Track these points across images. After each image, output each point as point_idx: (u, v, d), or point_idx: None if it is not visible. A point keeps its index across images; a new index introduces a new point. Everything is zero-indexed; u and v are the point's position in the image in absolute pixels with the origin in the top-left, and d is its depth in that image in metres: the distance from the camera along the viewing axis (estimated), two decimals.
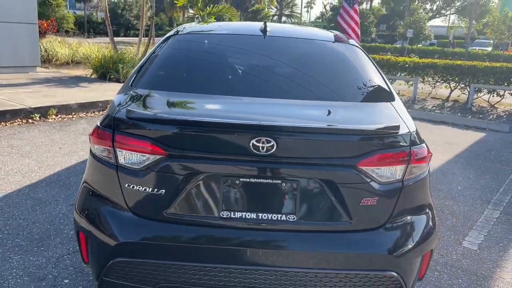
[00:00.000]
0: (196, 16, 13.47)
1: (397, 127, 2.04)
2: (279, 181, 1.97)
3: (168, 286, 2.02)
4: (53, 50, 13.90)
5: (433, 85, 11.65)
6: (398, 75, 11.91)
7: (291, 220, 1.98)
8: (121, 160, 2.02)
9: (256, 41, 2.83)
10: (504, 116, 9.72)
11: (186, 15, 58.25)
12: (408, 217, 2.12)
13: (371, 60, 2.86)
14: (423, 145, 2.14)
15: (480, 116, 9.69)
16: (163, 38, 2.98)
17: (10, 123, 6.54)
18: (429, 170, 2.26)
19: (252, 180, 1.96)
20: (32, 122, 6.74)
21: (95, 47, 13.47)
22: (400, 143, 2.04)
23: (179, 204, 1.98)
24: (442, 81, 11.42)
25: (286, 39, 2.91)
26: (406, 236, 2.09)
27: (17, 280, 2.73)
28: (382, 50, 38.89)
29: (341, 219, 2.00)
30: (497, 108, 10.60)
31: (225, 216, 1.97)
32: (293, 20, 71.60)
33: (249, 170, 1.94)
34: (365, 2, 37.08)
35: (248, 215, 1.97)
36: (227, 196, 1.97)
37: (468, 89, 10.59)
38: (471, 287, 3.01)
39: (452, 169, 5.80)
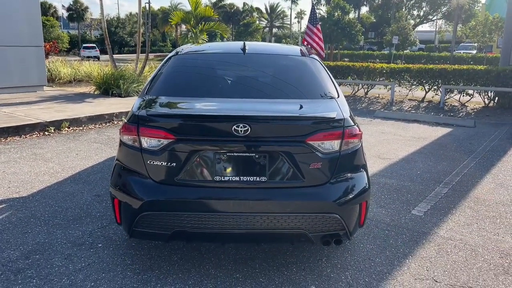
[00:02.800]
0: (190, 33, 14.44)
1: (334, 114, 2.96)
2: (254, 154, 2.87)
3: (180, 230, 2.91)
4: (56, 70, 14.85)
5: (409, 88, 12.64)
6: (377, 80, 12.89)
7: (263, 180, 2.88)
8: (144, 144, 2.92)
9: (237, 57, 3.77)
10: (472, 113, 10.70)
11: (178, 31, 59.48)
12: (346, 176, 3.02)
13: (325, 69, 3.80)
14: (355, 126, 3.06)
15: (451, 114, 10.67)
16: (166, 58, 3.92)
17: (30, 136, 7.43)
18: (362, 144, 3.17)
19: (235, 154, 2.87)
20: (48, 134, 7.63)
21: (95, 66, 14.43)
22: (336, 125, 2.95)
23: (185, 173, 2.88)
24: (418, 84, 12.42)
25: (260, 55, 3.86)
26: (344, 189, 2.99)
27: (63, 246, 3.61)
28: (370, 57, 40.13)
29: (297, 178, 2.90)
30: (467, 106, 11.59)
31: (217, 180, 2.87)
32: (283, 31, 73.12)
33: (232, 147, 2.85)
34: (352, 11, 38.27)
35: (233, 178, 2.88)
36: (218, 165, 2.87)
37: (440, 90, 11.58)
38: (412, 240, 3.90)
39: (415, 158, 6.73)
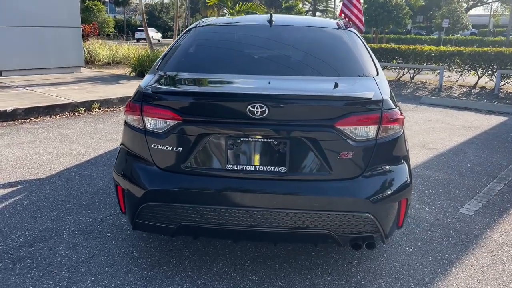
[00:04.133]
0: (227, 14, 14.05)
1: (371, 94, 2.47)
2: (272, 140, 2.45)
3: (187, 225, 2.54)
4: (95, 52, 14.91)
5: (460, 73, 11.69)
6: (425, 64, 12.01)
7: (282, 171, 2.45)
8: (148, 126, 2.56)
9: (263, 30, 3.32)
10: None
11: (220, 14, 59.27)
12: (383, 169, 2.54)
13: (364, 44, 3.29)
14: (396, 109, 2.56)
15: (507, 101, 9.73)
16: (186, 29, 3.53)
17: (59, 116, 7.33)
18: (404, 132, 2.67)
19: (250, 139, 2.46)
20: (78, 115, 7.52)
21: (133, 48, 14.37)
22: (373, 107, 2.47)
23: (193, 159, 2.50)
24: (470, 69, 11.45)
25: (289, 27, 3.39)
26: (381, 185, 2.52)
27: (70, 233, 3.35)
28: (417, 42, 38.24)
29: (323, 170, 2.46)
30: None
31: (229, 168, 2.47)
32: (327, 15, 71.20)
33: (247, 131, 2.43)
34: None
35: (248, 167, 2.47)
36: (231, 152, 2.47)
37: (495, 75, 10.60)
38: (460, 243, 3.36)
39: (465, 149, 6.06)
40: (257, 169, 2.47)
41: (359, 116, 2.43)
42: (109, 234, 3.36)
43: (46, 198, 3.98)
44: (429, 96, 10.70)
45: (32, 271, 2.84)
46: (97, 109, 7.87)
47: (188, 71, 2.93)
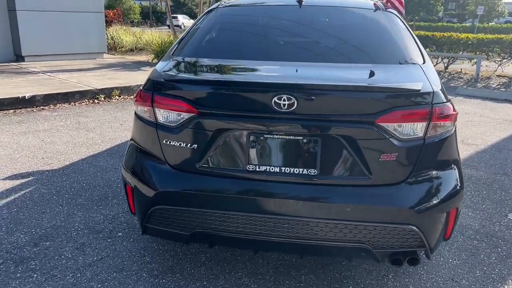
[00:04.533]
0: None
1: (419, 86, 2.09)
2: (301, 137, 2.10)
3: (202, 232, 2.24)
4: (118, 38, 14.75)
5: (499, 63, 10.98)
6: (461, 53, 11.34)
7: (312, 174, 2.11)
8: (160, 119, 2.25)
9: (290, 11, 2.94)
10: None
11: None
12: (431, 174, 2.17)
13: (406, 27, 2.88)
14: (448, 104, 2.17)
15: None
16: (206, 11, 3.19)
17: (79, 103, 7.15)
18: (455, 130, 2.28)
19: (275, 136, 2.11)
20: (98, 102, 7.31)
21: (156, 34, 14.13)
22: (421, 101, 2.08)
23: (209, 158, 2.18)
24: (510, 58, 10.73)
25: (320, 7, 3.00)
26: (427, 192, 2.14)
27: (78, 232, 3.10)
28: (449, 30, 36.81)
29: (360, 174, 2.10)
30: None
31: (250, 169, 2.14)
32: None
33: (271, 126, 2.09)
34: None
35: (272, 169, 2.13)
36: (252, 150, 2.14)
37: None
38: (511, 256, 2.96)
39: (509, 146, 5.55)
40: (283, 170, 2.13)
41: (405, 111, 2.05)
42: (120, 234, 3.09)
43: (57, 192, 3.76)
44: (465, 87, 10.07)
45: (35, 275, 2.60)
46: (117, 97, 7.65)
47: (207, 57, 2.60)
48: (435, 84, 2.19)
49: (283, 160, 2.13)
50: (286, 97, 2.03)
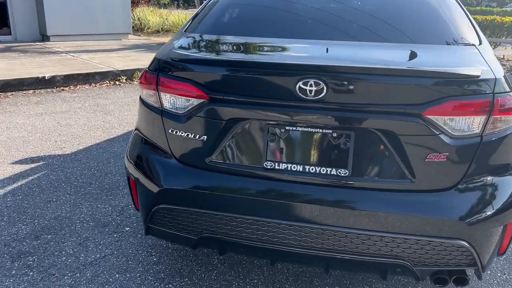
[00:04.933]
0: None
1: (477, 71, 1.69)
2: (330, 131, 1.75)
3: (211, 237, 1.93)
4: (145, 19, 14.52)
5: None
6: (504, 38, 10.58)
7: (343, 175, 1.76)
8: (165, 105, 1.94)
9: None
10: None
11: None
12: (486, 180, 1.78)
13: (457, 2, 2.46)
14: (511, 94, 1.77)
15: None
16: None
17: (99, 84, 6.95)
18: None
19: (299, 128, 1.77)
20: (119, 84, 7.10)
21: (183, 15, 13.83)
22: (480, 90, 1.69)
23: (221, 152, 1.86)
24: None
25: None
26: (483, 201, 1.76)
27: (83, 225, 2.86)
28: (489, 14, 35.07)
29: (401, 176, 1.74)
30: None
31: (268, 167, 1.81)
32: None
33: (295, 117, 1.75)
34: None
35: (294, 167, 1.79)
36: (271, 145, 1.81)
37: None
38: None
39: None
40: (307, 170, 1.79)
41: (459, 101, 1.67)
42: (128, 228, 2.84)
43: (67, 178, 3.53)
44: (509, 74, 9.37)
45: (31, 273, 2.37)
46: (138, 78, 7.41)
47: (224, 34, 2.26)
48: (497, 70, 1.79)
49: (308, 158, 1.79)
50: (314, 81, 1.68)
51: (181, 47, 2.08)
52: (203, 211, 1.88)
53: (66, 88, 6.58)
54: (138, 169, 2.08)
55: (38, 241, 2.66)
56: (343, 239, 1.77)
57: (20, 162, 3.82)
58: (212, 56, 1.99)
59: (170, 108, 1.93)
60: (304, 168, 1.79)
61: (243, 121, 1.81)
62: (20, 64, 7.29)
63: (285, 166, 1.80)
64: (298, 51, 2.00)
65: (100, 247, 2.63)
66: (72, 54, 8.66)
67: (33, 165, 3.76)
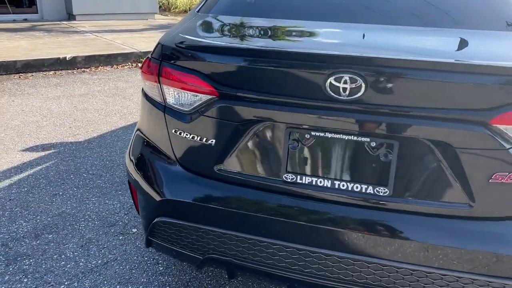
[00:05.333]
0: None
1: None
2: (367, 139, 1.40)
3: (218, 258, 1.64)
4: None
5: None
6: None
7: (382, 194, 1.41)
8: (169, 100, 1.63)
9: None
10: None
11: None
12: None
13: None
14: None
15: None
16: None
17: (121, 66, 6.72)
18: None
19: (329, 134, 1.43)
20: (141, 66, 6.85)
21: None
22: None
23: (232, 159, 1.54)
24: None
25: None
26: None
27: (88, 223, 2.63)
28: None
29: (457, 199, 1.38)
30: None
31: (289, 180, 1.49)
32: None
33: (324, 120, 1.41)
34: None
35: (320, 182, 1.46)
36: (294, 153, 1.47)
37: None
38: None
39: None
40: (336, 186, 1.45)
41: None
42: (135, 230, 2.58)
43: (76, 169, 3.31)
44: None
45: (25, 279, 2.15)
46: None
47: (242, 15, 1.91)
48: None
49: (338, 171, 1.45)
50: (349, 77, 1.33)
51: (190, 31, 1.75)
52: (210, 228, 1.58)
53: (87, 70, 6.38)
54: (138, 172, 1.79)
55: (38, 241, 2.44)
56: (378, 272, 1.44)
57: (31, 149, 3.62)
58: (226, 42, 1.65)
59: (174, 104, 1.62)
60: (332, 184, 1.45)
61: (259, 123, 1.48)
62: (43, 44, 7.14)
63: (309, 180, 1.47)
64: (329, 37, 1.63)
65: (103, 251, 2.38)
66: (96, 34, 8.46)
67: (43, 153, 3.55)
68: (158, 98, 1.68)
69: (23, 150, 3.59)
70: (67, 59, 6.26)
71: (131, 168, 1.85)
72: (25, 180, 3.11)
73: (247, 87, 1.46)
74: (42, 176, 3.19)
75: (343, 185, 1.44)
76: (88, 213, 2.75)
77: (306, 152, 1.47)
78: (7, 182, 3.07)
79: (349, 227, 1.43)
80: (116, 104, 4.89)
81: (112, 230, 2.57)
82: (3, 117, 4.31)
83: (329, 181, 1.45)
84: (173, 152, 1.65)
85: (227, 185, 1.57)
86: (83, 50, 6.74)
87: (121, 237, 2.51)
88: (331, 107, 1.39)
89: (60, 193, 2.97)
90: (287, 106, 1.43)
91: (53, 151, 3.62)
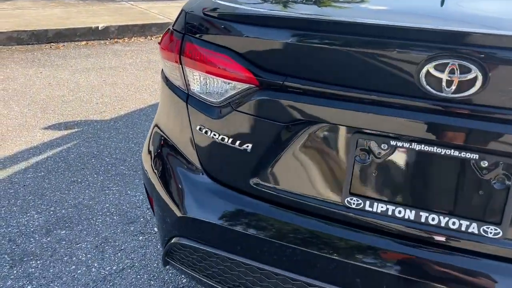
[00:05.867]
0: None
1: None
2: (476, 155, 0.95)
3: None
4: None
5: None
6: None
7: (491, 235, 0.97)
8: (193, 87, 1.23)
9: None
10: None
11: None
12: None
13: None
14: None
15: None
16: None
17: (155, 37, 6.36)
18: None
19: (417, 146, 0.99)
20: None
21: None
22: None
23: (274, 172, 1.13)
24: None
25: None
26: None
27: (106, 218, 2.32)
28: None
29: None
30: None
31: (353, 206, 1.06)
32: None
33: (414, 125, 0.96)
34: None
35: (400, 212, 1.03)
36: (362, 169, 1.04)
37: None
38: None
39: None
40: (424, 220, 1.02)
41: None
42: (157, 229, 2.25)
43: (99, 152, 3.01)
44: None
45: (29, 286, 1.86)
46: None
47: None
48: None
49: (427, 198, 1.02)
50: (458, 65, 0.88)
51: None
52: (242, 260, 1.19)
53: (120, 40, 6.06)
54: (155, 176, 1.42)
55: (49, 238, 2.15)
56: None
57: (53, 127, 3.35)
58: (274, 10, 1.21)
59: (199, 93, 1.21)
60: (417, 216, 1.02)
61: (314, 126, 1.06)
62: (77, 12, 6.87)
63: (383, 208, 1.04)
64: (420, 5, 1.16)
65: (119, 254, 2.06)
66: (131, 2, 8.11)
67: (65, 132, 3.27)
68: (179, 84, 1.28)
69: (45, 128, 3.32)
70: (100, 28, 5.95)
71: (148, 167, 1.48)
72: (43, 163, 2.84)
73: (301, 74, 1.03)
74: (62, 159, 2.90)
75: (433, 219, 1.01)
76: (107, 205, 2.43)
77: (380, 169, 1.04)
78: (23, 165, 2.80)
79: (442, 279, 1.00)
80: (147, 79, 4.55)
81: (132, 228, 2.25)
82: (29, 90, 4.06)
83: (412, 211, 1.02)
84: (197, 155, 1.26)
85: (265, 206, 1.17)
86: (117, 19, 6.41)
87: (140, 238, 2.19)
88: (426, 108, 0.94)
89: (79, 180, 2.67)
90: (357, 102, 1.00)
91: (76, 130, 3.33)
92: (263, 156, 1.13)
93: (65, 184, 2.62)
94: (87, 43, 5.82)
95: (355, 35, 0.98)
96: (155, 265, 2.01)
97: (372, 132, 1.01)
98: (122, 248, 2.11)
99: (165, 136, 1.41)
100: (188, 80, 1.23)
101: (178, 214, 1.28)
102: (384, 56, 0.95)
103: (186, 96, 1.26)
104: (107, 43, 5.93)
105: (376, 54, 0.95)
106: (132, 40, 6.15)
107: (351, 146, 1.04)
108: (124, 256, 2.05)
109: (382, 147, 1.02)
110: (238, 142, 1.15)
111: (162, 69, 1.46)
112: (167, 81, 1.39)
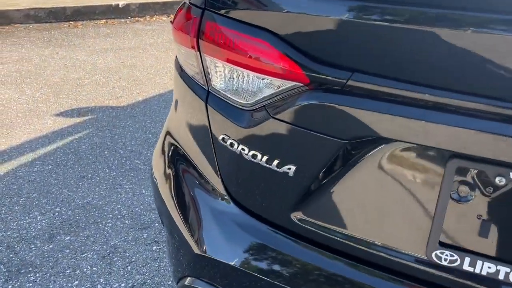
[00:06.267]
0: None
1: None
2: None
3: None
4: None
5: None
6: None
7: None
8: (215, 82, 0.90)
9: None
10: None
11: None
12: None
13: None
14: None
15: None
16: None
17: None
18: None
19: None
20: None
21: None
22: None
23: (326, 205, 0.80)
24: None
25: None
26: None
27: (116, 223, 2.05)
28: None
29: None
30: None
31: (443, 262, 0.72)
32: None
33: None
34: None
35: None
36: (460, 210, 0.70)
37: None
38: None
39: None
40: None
41: None
42: None
43: (113, 143, 2.74)
44: None
45: None
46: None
47: None
48: None
49: None
50: None
51: None
52: None
53: (141, 19, 5.77)
54: (167, 194, 1.11)
55: (51, 246, 1.90)
56: None
57: (65, 114, 3.09)
58: None
59: (223, 91, 0.88)
60: None
61: (389, 145, 0.72)
62: None
63: (491, 270, 0.70)
64: None
65: (129, 267, 1.79)
66: None
67: (78, 120, 3.01)
68: (196, 78, 0.95)
69: (57, 115, 3.07)
70: (120, 6, 5.67)
71: (158, 176, 1.17)
72: (51, 155, 2.58)
73: (376, 69, 0.69)
74: (72, 150, 2.64)
75: None
76: (118, 206, 2.16)
77: (489, 211, 0.69)
78: (30, 157, 2.56)
79: None
80: (168, 61, 4.25)
81: (145, 236, 1.97)
82: (43, 72, 3.82)
83: None
84: (220, 175, 0.94)
85: (312, 251, 0.84)
86: None
87: (154, 247, 1.91)
88: None
89: (89, 175, 2.41)
90: (460, 115, 0.65)
91: (90, 117, 3.07)
92: (311, 183, 0.80)
93: (74, 180, 2.36)
94: (107, 22, 5.55)
95: (448, 21, 0.62)
96: (169, 283, 1.73)
97: (482, 157, 0.67)
98: (133, 260, 1.83)
99: (177, 144, 1.10)
100: (208, 73, 0.91)
101: (196, 250, 0.97)
102: (496, 52, 0.60)
103: (206, 94, 0.93)
104: (127, 22, 5.65)
105: (479, 45, 0.60)
106: (154, 18, 5.85)
107: (445, 176, 0.70)
108: (135, 271, 1.78)
109: (497, 180, 0.67)
110: (275, 162, 0.82)
111: (176, 56, 1.14)
112: (181, 71, 1.07)
